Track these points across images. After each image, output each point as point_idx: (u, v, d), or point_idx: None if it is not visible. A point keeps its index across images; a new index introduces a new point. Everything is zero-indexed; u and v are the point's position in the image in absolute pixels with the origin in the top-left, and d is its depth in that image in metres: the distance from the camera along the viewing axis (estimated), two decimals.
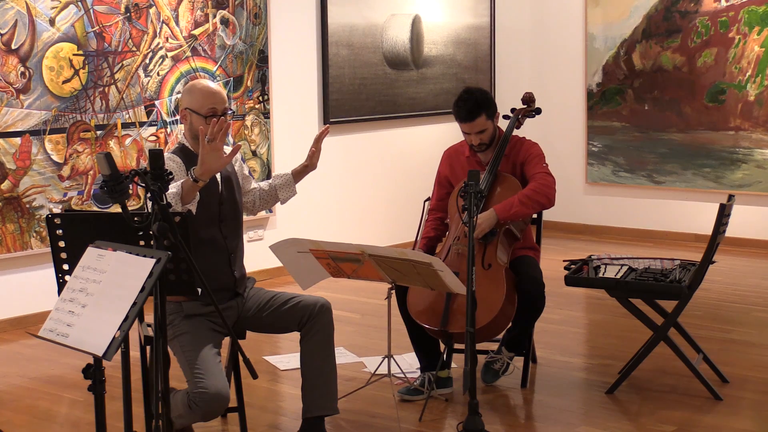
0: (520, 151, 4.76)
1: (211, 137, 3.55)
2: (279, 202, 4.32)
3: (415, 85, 8.25)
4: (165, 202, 2.96)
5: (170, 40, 6.57)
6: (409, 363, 5.05)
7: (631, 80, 8.57)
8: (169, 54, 6.57)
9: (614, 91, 8.66)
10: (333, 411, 4.02)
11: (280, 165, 7.20)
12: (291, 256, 4.25)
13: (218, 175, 3.94)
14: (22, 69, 5.89)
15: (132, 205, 6.40)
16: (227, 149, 3.73)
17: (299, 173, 4.26)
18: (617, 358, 5.16)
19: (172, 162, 3.82)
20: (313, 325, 3.98)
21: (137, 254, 2.84)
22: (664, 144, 8.45)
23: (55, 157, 6.07)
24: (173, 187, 3.58)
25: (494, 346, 4.88)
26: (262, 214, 7.14)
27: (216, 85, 3.97)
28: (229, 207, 3.99)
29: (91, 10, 6.16)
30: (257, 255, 6.42)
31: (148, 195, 2.98)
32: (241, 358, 3.62)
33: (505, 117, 5.00)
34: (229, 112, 3.91)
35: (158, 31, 6.49)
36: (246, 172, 4.23)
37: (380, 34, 7.91)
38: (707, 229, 4.89)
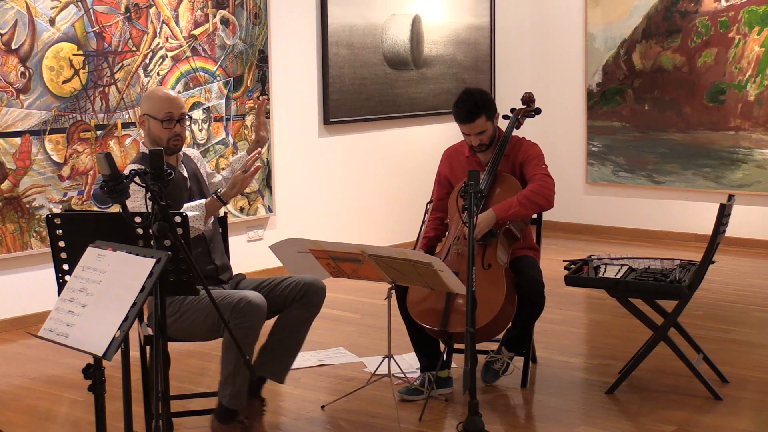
0: (520, 152, 4.77)
1: (247, 168, 3.90)
2: None
3: (415, 85, 8.25)
4: (165, 202, 2.96)
5: (170, 40, 6.57)
6: (409, 363, 5.05)
7: (631, 80, 8.56)
8: (169, 54, 6.57)
9: (614, 91, 8.66)
10: (279, 380, 4.15)
11: (280, 165, 7.20)
12: (291, 256, 4.26)
13: (185, 172, 4.13)
14: (22, 69, 5.89)
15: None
16: (236, 153, 3.76)
17: (253, 150, 4.39)
18: (617, 358, 5.16)
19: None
20: (305, 301, 4.06)
21: (137, 254, 2.85)
22: (664, 144, 8.45)
23: (55, 157, 6.07)
24: (193, 210, 3.82)
25: (494, 346, 4.88)
26: (262, 213, 7.14)
27: (174, 92, 4.16)
28: (198, 200, 4.09)
29: (91, 10, 6.16)
30: (257, 255, 6.42)
31: (148, 195, 2.99)
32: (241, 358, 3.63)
33: (505, 117, 5.00)
34: (186, 117, 4.08)
35: (158, 31, 6.49)
36: (208, 169, 4.39)
37: (380, 34, 7.91)
38: (707, 229, 4.89)
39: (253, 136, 4.47)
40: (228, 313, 3.77)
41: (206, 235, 4.05)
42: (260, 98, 4.51)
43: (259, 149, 4.19)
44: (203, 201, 3.91)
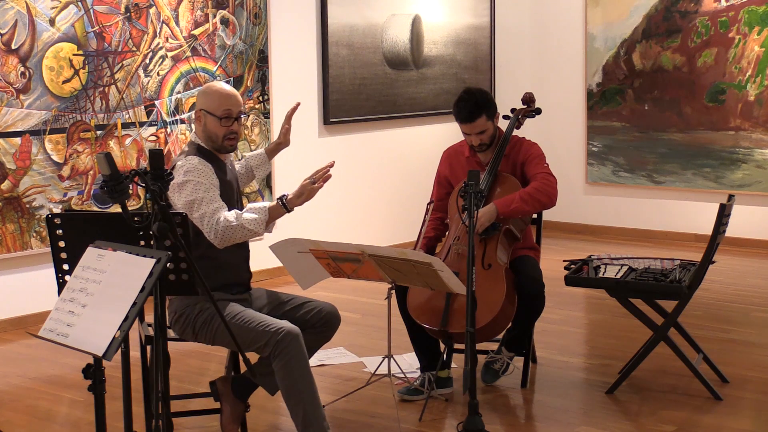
0: (520, 151, 4.76)
1: (316, 179, 3.90)
2: (255, 180, 4.51)
3: (415, 85, 8.25)
4: (165, 202, 2.96)
5: (170, 40, 6.57)
6: (409, 363, 5.05)
7: (631, 80, 8.56)
8: (169, 54, 6.57)
9: (614, 91, 8.66)
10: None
11: (280, 165, 7.20)
12: (291, 256, 4.26)
13: (234, 175, 4.14)
14: (22, 69, 5.89)
15: (132, 205, 6.39)
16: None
17: (273, 151, 4.43)
18: (617, 358, 5.16)
19: (204, 167, 3.88)
20: (323, 329, 4.06)
21: (137, 254, 2.84)
22: (664, 144, 8.45)
23: (55, 157, 6.07)
24: (254, 212, 3.82)
25: (494, 346, 4.88)
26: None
27: (232, 89, 4.06)
28: (241, 205, 4.11)
29: (91, 10, 6.16)
30: (257, 255, 6.39)
31: (148, 195, 2.99)
32: (241, 358, 3.63)
33: (505, 117, 5.00)
34: (243, 115, 4.04)
35: (158, 31, 6.49)
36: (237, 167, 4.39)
37: (380, 34, 7.91)
38: (707, 229, 4.89)
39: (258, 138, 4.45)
40: (265, 340, 3.74)
41: (247, 243, 4.04)
42: (297, 102, 4.49)
43: (332, 161, 4.08)
44: (267, 204, 3.88)
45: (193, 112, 4.09)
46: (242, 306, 3.92)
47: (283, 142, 4.37)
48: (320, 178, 3.92)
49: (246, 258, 4.09)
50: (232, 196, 4.01)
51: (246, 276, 4.08)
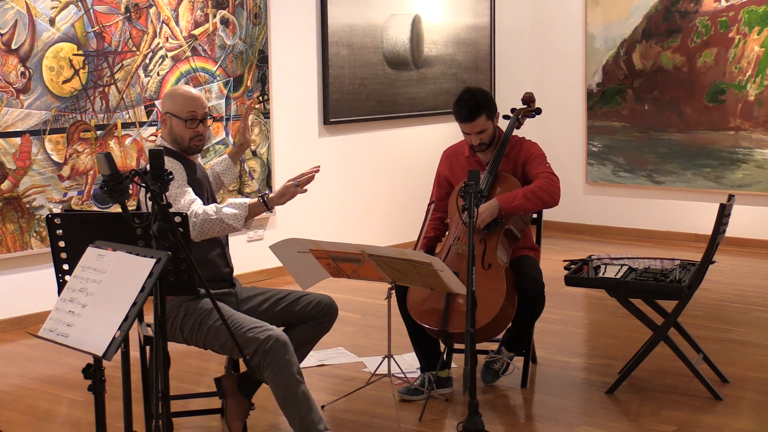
0: (521, 151, 4.76)
1: (300, 183, 3.93)
2: (224, 186, 4.51)
3: (415, 85, 8.25)
4: (165, 202, 2.96)
5: (170, 40, 6.57)
6: (409, 363, 5.05)
7: (631, 80, 8.56)
8: (169, 54, 6.57)
9: (614, 91, 8.66)
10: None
11: (280, 165, 7.20)
12: (291, 256, 4.26)
13: (204, 173, 4.16)
14: (22, 69, 5.89)
15: (132, 205, 6.39)
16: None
17: (236, 153, 4.47)
18: (617, 358, 5.16)
19: (173, 164, 3.91)
20: (322, 321, 4.08)
21: (137, 254, 2.84)
22: (664, 144, 8.45)
23: (55, 157, 6.07)
24: (234, 208, 3.83)
25: (494, 346, 4.88)
26: (263, 213, 7.12)
27: (197, 91, 4.12)
28: (214, 203, 4.12)
29: (91, 10, 6.16)
30: (257, 255, 6.42)
31: (148, 195, 2.98)
32: (241, 358, 3.62)
33: (505, 117, 5.00)
34: (209, 117, 4.09)
35: (158, 31, 6.49)
36: None
37: (380, 34, 7.91)
38: (707, 229, 4.89)
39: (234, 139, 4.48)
40: (253, 348, 3.72)
41: (222, 238, 4.05)
42: (248, 101, 4.54)
43: (318, 166, 4.11)
44: (248, 201, 3.91)
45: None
46: (229, 306, 3.92)
47: (244, 142, 4.41)
48: (304, 181, 3.94)
49: (222, 253, 4.07)
50: (203, 194, 4.02)
51: (226, 271, 4.07)
